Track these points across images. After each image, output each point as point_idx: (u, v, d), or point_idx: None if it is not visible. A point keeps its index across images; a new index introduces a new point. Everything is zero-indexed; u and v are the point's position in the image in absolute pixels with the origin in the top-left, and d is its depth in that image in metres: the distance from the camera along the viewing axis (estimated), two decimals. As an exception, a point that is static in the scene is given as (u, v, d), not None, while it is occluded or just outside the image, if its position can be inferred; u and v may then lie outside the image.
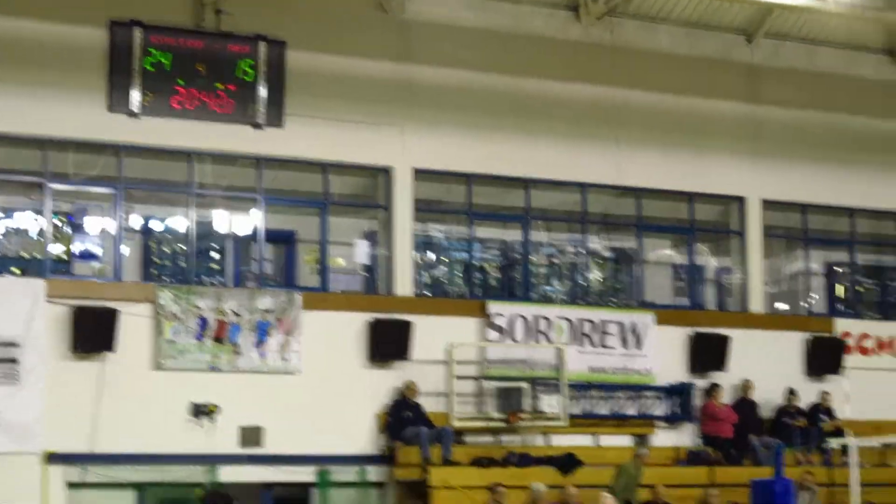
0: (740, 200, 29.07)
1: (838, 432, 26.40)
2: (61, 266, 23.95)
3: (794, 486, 19.92)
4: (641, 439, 26.68)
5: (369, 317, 25.02)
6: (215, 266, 25.33)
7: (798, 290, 30.44)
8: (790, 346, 28.81)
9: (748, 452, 26.96)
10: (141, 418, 22.96)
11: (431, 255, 27.21)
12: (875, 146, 30.25)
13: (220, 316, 23.73)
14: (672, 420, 27.28)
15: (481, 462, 24.76)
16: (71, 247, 24.23)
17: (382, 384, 24.93)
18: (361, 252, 26.62)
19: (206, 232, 24.98)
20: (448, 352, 25.16)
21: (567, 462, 25.07)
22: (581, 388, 26.44)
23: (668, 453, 26.85)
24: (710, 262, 29.81)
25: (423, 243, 26.81)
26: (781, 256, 30.42)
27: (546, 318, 26.50)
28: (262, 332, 24.09)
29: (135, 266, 24.78)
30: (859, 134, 30.15)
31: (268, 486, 23.70)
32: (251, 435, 23.81)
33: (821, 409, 28.02)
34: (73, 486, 22.41)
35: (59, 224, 24.09)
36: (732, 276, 29.46)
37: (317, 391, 24.29)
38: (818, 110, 29.60)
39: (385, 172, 25.93)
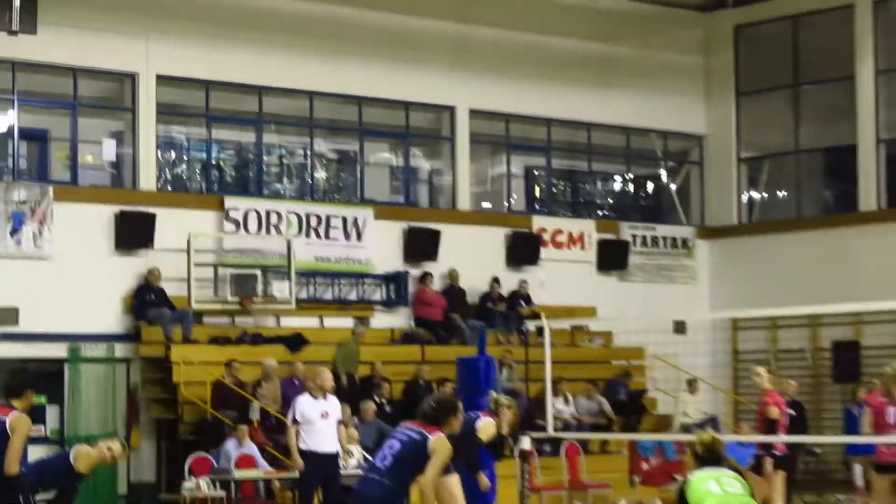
0: (450, 109, 29.66)
1: (534, 316, 26.38)
2: None
3: (495, 363, 20.51)
4: (361, 321, 27.08)
5: (116, 209, 25.20)
6: (-26, 162, 24.91)
7: (501, 191, 31.12)
8: (493, 239, 29.64)
9: (456, 333, 27.73)
10: None
11: (173, 154, 27.25)
12: (573, 65, 30.93)
13: (-23, 207, 23.52)
14: (389, 304, 27.96)
15: (218, 340, 25.30)
16: None
17: (129, 270, 25.18)
18: (109, 150, 26.55)
19: (-36, 131, 24.55)
20: (188, 241, 25.32)
21: (295, 341, 25.82)
22: (308, 275, 26.93)
23: (386, 334, 27.60)
24: (423, 164, 30.45)
25: (165, 143, 26.78)
26: (486, 160, 31.09)
27: (277, 213, 26.94)
28: (17, 221, 24.12)
29: None
30: (557, 53, 30.76)
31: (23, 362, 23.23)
32: (7, 315, 23.87)
33: (519, 296, 28.90)
34: None
35: None
36: (443, 177, 30.11)
37: (68, 276, 24.34)
38: (521, 31, 30.04)
39: (131, 77, 25.94)
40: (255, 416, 23.20)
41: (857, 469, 24.79)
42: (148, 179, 26.16)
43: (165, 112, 26.67)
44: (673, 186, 33.81)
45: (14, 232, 24.31)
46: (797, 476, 24.77)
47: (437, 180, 30.47)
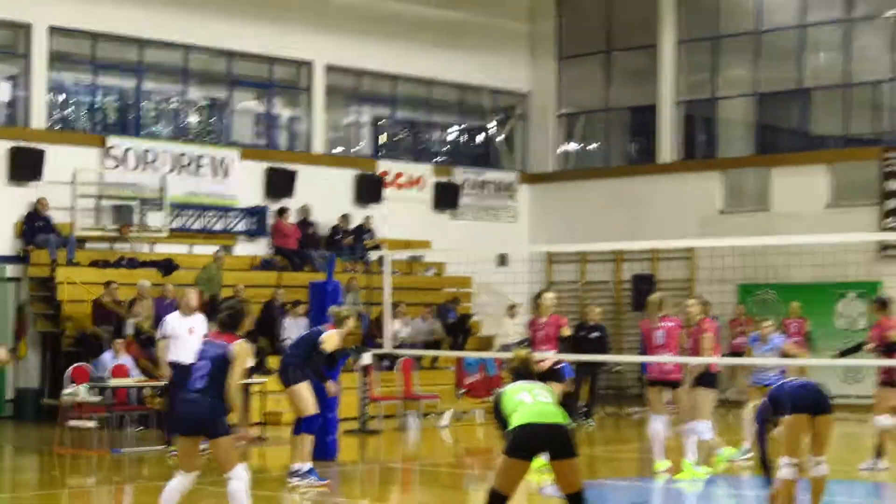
0: (309, 64, 29.60)
1: (377, 247, 26.99)
2: None
3: (341, 288, 20.62)
4: (225, 249, 27.02)
5: (9, 145, 24.99)
6: None
7: (350, 137, 31.38)
8: (343, 180, 29.74)
9: (308, 261, 27.82)
10: None
11: (62, 97, 26.88)
12: (417, 27, 30.98)
13: None
14: (250, 235, 28.00)
15: (98, 264, 25.15)
16: None
17: (19, 200, 24.95)
18: (4, 92, 26.21)
19: None
20: (74, 175, 25.30)
21: (167, 265, 25.78)
22: (179, 207, 26.77)
23: (247, 261, 27.62)
24: (283, 112, 30.30)
25: (55, 87, 26.44)
26: (339, 110, 30.98)
27: (153, 151, 26.75)
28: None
29: None
30: (404, 16, 30.84)
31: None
32: None
33: (364, 230, 29.02)
34: None
35: None
36: (300, 124, 30.01)
37: (-39, 204, 23.95)
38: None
39: (25, 27, 25.65)
40: (129, 331, 23.08)
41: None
42: (39, 119, 25.90)
43: (56, 59, 26.32)
44: (500, 137, 34.20)
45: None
46: (599, 391, 25.60)
47: (296, 127, 30.34)
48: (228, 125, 29.07)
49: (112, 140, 26.62)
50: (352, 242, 28.78)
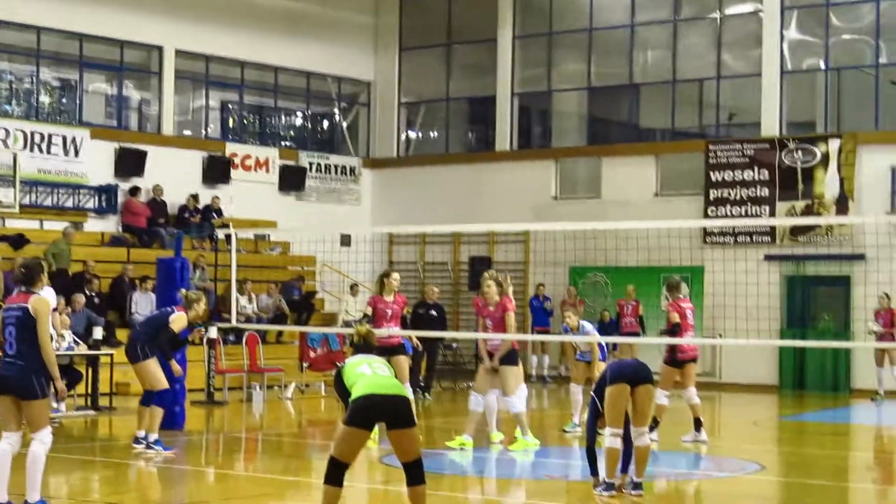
0: (159, 49, 29.30)
1: (224, 226, 24.89)
2: None
3: (189, 264, 20.42)
4: (76, 225, 26.70)
5: None
6: None
7: (200, 120, 30.94)
8: (193, 161, 29.51)
9: (157, 238, 27.66)
10: None
11: None
12: (265, 16, 30.89)
13: None
14: (100, 212, 27.67)
15: None
16: None
17: None
18: None
19: None
20: None
21: (17, 240, 25.31)
22: (31, 184, 26.40)
23: (97, 237, 27.28)
24: (134, 94, 29.89)
25: None
26: (188, 93, 30.70)
27: (6, 129, 26.36)
28: None
29: None
30: (252, 4, 30.72)
31: None
32: None
33: (213, 209, 28.89)
34: None
35: None
36: (151, 106, 29.68)
37: None
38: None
39: None
40: (-21, 303, 22.77)
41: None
42: None
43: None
44: (345, 123, 34.15)
45: None
46: (436, 366, 25.77)
47: (146, 109, 29.98)
48: (80, 106, 28.49)
49: (-37, 119, 25.98)
50: (200, 221, 28.56)
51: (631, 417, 12.69)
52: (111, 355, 21.24)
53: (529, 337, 28.07)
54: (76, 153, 27.40)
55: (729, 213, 28.58)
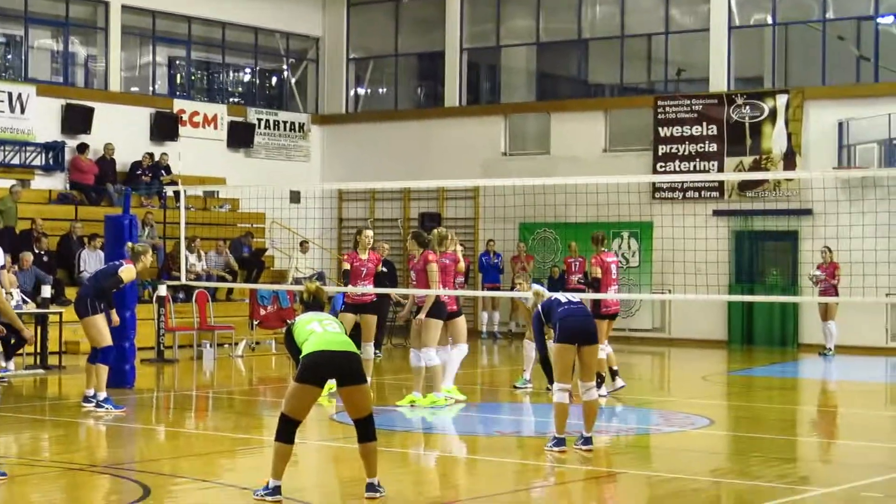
0: (105, 4, 28.90)
1: (173, 183, 26.17)
2: None
3: (138, 222, 20.33)
4: (23, 183, 26.44)
5: None
6: None
7: (147, 76, 30.66)
8: (141, 118, 29.26)
9: (105, 196, 27.52)
10: None
11: None
12: None
13: None
14: (48, 169, 27.41)
15: None
16: None
17: None
18: None
19: None
20: None
21: None
22: None
23: (44, 195, 27.04)
24: (80, 50, 29.55)
25: None
26: (135, 49, 30.44)
27: None
28: None
29: None
30: None
31: None
32: None
33: (161, 166, 28.51)
34: None
35: None
36: (97, 62, 29.40)
37: None
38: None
39: None
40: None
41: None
42: None
43: None
44: (293, 79, 33.93)
45: None
46: (387, 323, 25.73)
47: (93, 65, 29.68)
48: (25, 62, 28.18)
49: None
50: (149, 179, 28.38)
51: (578, 372, 12.79)
52: (60, 314, 21.17)
53: (462, 293, 28.09)
54: (22, 110, 27.12)
55: (677, 169, 28.69)
